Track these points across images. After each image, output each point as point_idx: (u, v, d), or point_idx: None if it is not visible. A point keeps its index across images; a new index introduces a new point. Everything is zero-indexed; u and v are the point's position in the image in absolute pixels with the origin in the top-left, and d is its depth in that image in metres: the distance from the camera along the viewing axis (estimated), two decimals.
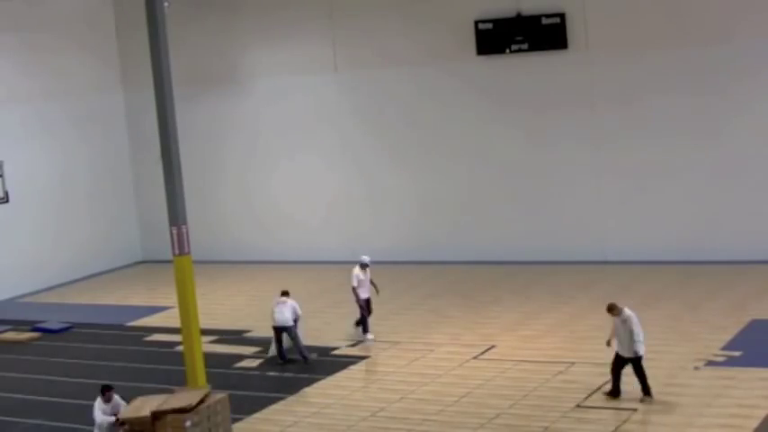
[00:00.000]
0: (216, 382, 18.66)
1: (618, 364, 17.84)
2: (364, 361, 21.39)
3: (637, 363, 17.63)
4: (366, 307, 22.78)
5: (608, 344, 18.14)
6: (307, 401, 19.22)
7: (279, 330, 21.53)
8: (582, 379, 18.98)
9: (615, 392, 17.88)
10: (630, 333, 17.53)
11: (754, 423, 16.22)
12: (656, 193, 27.15)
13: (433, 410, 18.14)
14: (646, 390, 17.68)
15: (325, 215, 31.38)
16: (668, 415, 16.94)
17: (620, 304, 17.93)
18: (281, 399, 19.46)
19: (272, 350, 21.86)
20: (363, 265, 22.86)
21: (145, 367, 22.38)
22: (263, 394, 19.75)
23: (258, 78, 31.87)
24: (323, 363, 21.36)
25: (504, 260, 28.62)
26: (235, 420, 17.56)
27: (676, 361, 19.41)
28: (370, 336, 22.65)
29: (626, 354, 17.67)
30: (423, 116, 29.70)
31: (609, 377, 18.44)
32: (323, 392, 19.65)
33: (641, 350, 17.53)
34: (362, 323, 22.80)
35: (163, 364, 22.41)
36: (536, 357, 20.50)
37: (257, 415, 18.67)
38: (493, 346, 21.37)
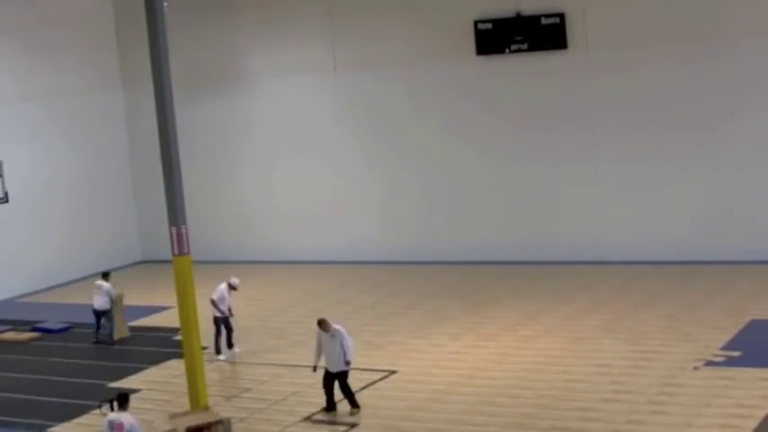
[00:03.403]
0: None
1: (328, 379, 18.31)
2: (364, 362, 21.37)
3: (342, 378, 18.20)
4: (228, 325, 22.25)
5: (314, 369, 18.62)
6: (306, 401, 19.23)
7: (97, 314, 24.43)
8: (583, 378, 19.00)
9: (330, 407, 18.39)
10: (339, 348, 18.08)
11: (754, 423, 16.23)
12: (656, 192, 27.13)
13: (435, 410, 18.16)
14: (353, 402, 18.28)
15: (325, 215, 31.35)
16: (667, 415, 16.95)
17: (329, 320, 18.42)
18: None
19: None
20: (233, 287, 22.51)
21: (144, 367, 22.38)
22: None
23: (258, 79, 31.85)
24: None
25: (504, 260, 28.62)
26: None
27: (676, 361, 19.41)
28: (236, 349, 22.29)
29: (333, 369, 18.19)
30: (423, 116, 29.69)
31: (609, 377, 18.43)
32: (322, 392, 19.62)
33: (346, 366, 18.16)
34: (227, 339, 22.24)
35: (161, 365, 22.43)
36: (536, 357, 20.51)
37: (258, 415, 18.72)
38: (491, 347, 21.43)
